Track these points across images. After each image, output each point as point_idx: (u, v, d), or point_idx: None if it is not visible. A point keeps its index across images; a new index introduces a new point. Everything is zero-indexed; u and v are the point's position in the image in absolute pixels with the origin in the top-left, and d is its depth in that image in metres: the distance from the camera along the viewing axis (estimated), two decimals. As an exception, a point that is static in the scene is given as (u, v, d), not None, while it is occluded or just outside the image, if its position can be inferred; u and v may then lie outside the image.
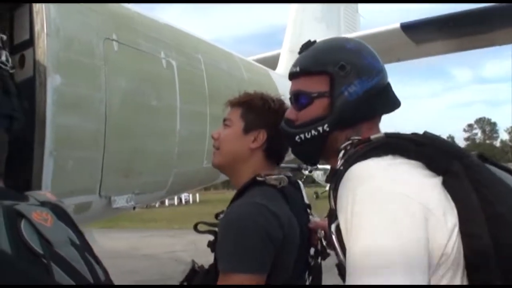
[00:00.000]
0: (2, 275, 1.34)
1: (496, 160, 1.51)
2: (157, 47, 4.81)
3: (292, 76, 1.65)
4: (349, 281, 1.19)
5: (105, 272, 1.70)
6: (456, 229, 1.19)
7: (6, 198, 1.64)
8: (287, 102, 6.37)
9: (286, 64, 8.62)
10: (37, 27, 3.51)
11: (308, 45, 1.66)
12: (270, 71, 7.68)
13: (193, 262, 2.13)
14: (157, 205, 29.27)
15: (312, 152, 1.59)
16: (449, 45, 8.91)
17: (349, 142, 1.43)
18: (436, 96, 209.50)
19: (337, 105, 1.48)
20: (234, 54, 6.78)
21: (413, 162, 1.28)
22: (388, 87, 1.55)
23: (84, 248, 1.69)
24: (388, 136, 1.38)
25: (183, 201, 43.99)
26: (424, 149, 1.29)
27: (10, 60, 2.98)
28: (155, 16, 5.22)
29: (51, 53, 3.54)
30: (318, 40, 1.70)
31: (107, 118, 4.04)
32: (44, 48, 3.50)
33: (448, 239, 1.18)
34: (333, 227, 1.32)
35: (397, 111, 1.59)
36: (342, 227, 1.26)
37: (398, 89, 1.59)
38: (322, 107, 1.52)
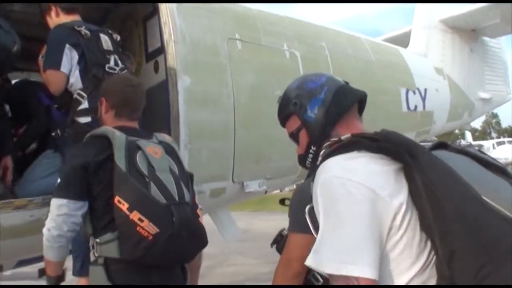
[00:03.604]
0: (120, 182, 2.44)
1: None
2: (279, 40, 5.13)
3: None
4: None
5: (193, 195, 2.72)
6: (404, 206, 1.48)
7: (136, 135, 2.66)
8: (419, 80, 6.36)
9: (418, 40, 8.44)
10: (165, 36, 4.02)
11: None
12: (401, 50, 7.61)
13: (283, 229, 2.65)
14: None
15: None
16: None
17: (328, 143, 1.78)
18: None
19: (308, 130, 1.93)
20: (361, 37, 6.85)
21: (373, 154, 1.57)
22: (340, 90, 1.94)
23: (181, 176, 2.66)
24: (353, 135, 1.71)
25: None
26: (379, 144, 1.59)
27: (120, 62, 3.48)
28: (275, 11, 5.51)
29: (179, 58, 4.03)
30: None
31: (235, 111, 4.46)
32: (173, 54, 4.00)
33: (394, 214, 1.47)
34: (307, 208, 1.70)
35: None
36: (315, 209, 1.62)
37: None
38: (305, 136, 1.95)
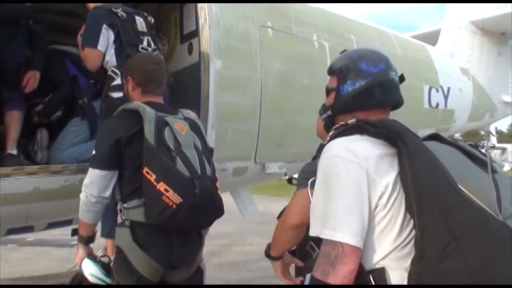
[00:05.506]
0: (150, 155, 2.67)
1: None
2: (309, 30, 5.31)
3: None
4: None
5: (213, 170, 2.95)
6: (390, 187, 1.70)
7: (164, 111, 2.89)
8: (443, 79, 6.45)
9: (447, 40, 8.53)
10: (201, 20, 4.21)
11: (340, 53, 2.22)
12: (428, 47, 7.73)
13: None
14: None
15: (328, 127, 2.07)
16: None
17: (337, 125, 1.94)
18: None
19: (336, 98, 2.06)
20: (389, 32, 7.00)
21: (372, 138, 1.78)
22: (379, 85, 2.00)
23: (203, 152, 2.90)
24: (358, 120, 1.87)
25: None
26: (378, 130, 1.78)
27: (152, 43, 3.70)
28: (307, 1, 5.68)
29: (213, 42, 4.24)
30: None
31: (262, 96, 4.66)
32: (207, 37, 4.20)
33: (381, 193, 1.70)
34: (310, 181, 2.00)
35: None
36: None
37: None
38: (332, 98, 2.08)
